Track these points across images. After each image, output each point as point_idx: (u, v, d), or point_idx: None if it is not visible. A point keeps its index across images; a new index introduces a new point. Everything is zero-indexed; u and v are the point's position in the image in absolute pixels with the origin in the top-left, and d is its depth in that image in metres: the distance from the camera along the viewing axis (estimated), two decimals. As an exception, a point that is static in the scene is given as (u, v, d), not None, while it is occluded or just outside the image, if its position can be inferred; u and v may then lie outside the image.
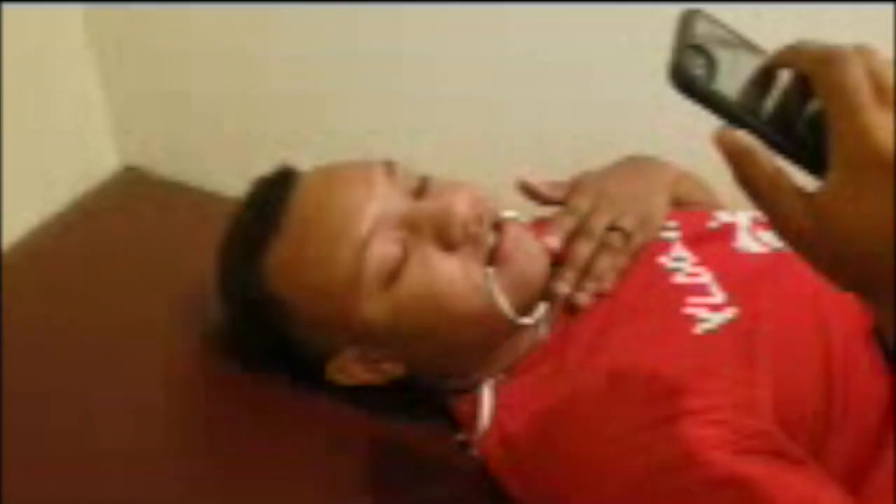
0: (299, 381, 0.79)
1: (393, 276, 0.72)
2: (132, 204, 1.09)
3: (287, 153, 0.83)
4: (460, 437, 0.78)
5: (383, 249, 0.72)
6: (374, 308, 0.72)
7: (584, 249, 0.80)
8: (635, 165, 0.90)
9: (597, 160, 0.91)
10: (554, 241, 0.80)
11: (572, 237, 0.81)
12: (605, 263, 0.80)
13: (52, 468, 0.71)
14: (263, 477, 0.73)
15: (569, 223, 0.82)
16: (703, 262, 0.79)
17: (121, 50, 1.10)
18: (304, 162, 0.81)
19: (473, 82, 1.08)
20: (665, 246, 0.83)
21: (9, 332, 0.82)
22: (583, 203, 0.83)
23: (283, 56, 1.08)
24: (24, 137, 0.98)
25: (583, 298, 0.78)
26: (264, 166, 0.81)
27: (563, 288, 0.78)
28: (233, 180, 0.84)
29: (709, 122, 0.47)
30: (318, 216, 0.74)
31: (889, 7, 1.00)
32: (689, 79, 0.46)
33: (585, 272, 0.80)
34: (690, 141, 0.84)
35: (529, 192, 0.86)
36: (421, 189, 0.76)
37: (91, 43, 1.08)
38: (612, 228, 0.81)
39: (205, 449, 0.77)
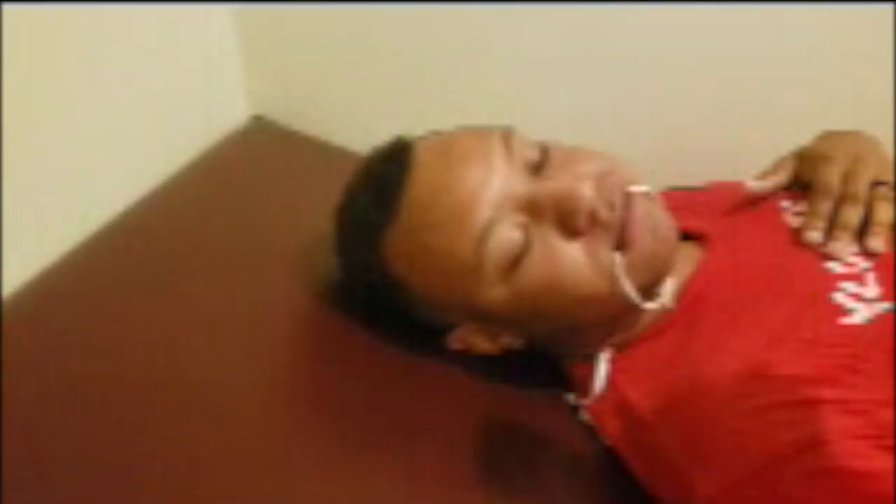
0: (417, 344, 0.80)
1: (514, 264, 0.71)
2: (259, 155, 1.11)
3: (416, 109, 0.84)
4: (572, 400, 0.78)
5: (504, 237, 0.70)
6: (494, 293, 0.72)
7: (851, 217, 0.77)
8: (847, 132, 0.85)
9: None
10: (816, 236, 0.76)
11: (838, 205, 0.77)
12: (883, 216, 0.76)
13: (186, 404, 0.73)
14: (376, 436, 0.74)
15: (826, 207, 0.78)
16: (863, 251, 0.76)
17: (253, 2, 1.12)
18: (430, 119, 0.81)
19: (590, 45, 1.07)
20: None
21: (151, 276, 0.85)
22: (833, 175, 0.79)
23: (415, 10, 1.07)
24: (156, 87, 1.00)
25: (844, 251, 0.75)
26: (391, 121, 0.82)
27: (842, 254, 0.75)
28: (360, 134, 0.84)
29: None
30: (435, 202, 0.72)
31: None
32: None
33: (859, 234, 0.76)
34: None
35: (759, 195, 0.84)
36: (541, 162, 0.73)
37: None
38: (875, 184, 0.78)
39: (318, 406, 0.78)
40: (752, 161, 0.89)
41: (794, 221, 0.80)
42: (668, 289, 0.76)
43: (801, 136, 0.88)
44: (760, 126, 0.96)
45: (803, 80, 1.04)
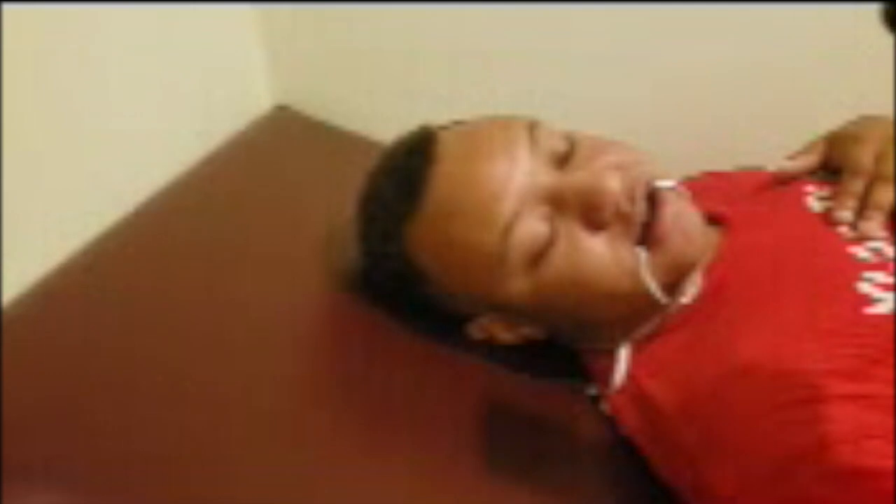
0: (436, 332, 0.79)
1: (539, 256, 0.71)
2: (282, 144, 1.11)
3: (438, 99, 0.84)
4: (592, 391, 0.78)
5: (529, 230, 0.70)
6: (517, 286, 0.72)
7: (883, 196, 0.75)
8: (879, 116, 0.83)
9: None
10: (846, 216, 0.75)
11: (869, 186, 0.75)
12: None
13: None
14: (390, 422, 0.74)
15: (857, 186, 0.76)
16: (889, 237, 0.74)
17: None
18: (453, 109, 0.80)
19: (623, 45, 1.07)
20: None
21: (169, 268, 0.84)
22: (864, 155, 0.77)
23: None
24: (180, 77, 1.00)
25: (875, 231, 0.74)
26: (414, 111, 0.82)
27: (873, 234, 0.73)
28: (383, 124, 0.84)
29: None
30: (460, 194, 0.72)
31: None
32: None
33: (892, 214, 0.74)
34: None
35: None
36: (567, 153, 0.73)
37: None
38: None
39: (333, 393, 0.77)
40: (756, 157, 0.88)
41: (820, 207, 0.78)
42: (693, 284, 0.75)
43: (804, 137, 0.86)
44: (766, 122, 0.96)
45: (806, 80, 1.03)
